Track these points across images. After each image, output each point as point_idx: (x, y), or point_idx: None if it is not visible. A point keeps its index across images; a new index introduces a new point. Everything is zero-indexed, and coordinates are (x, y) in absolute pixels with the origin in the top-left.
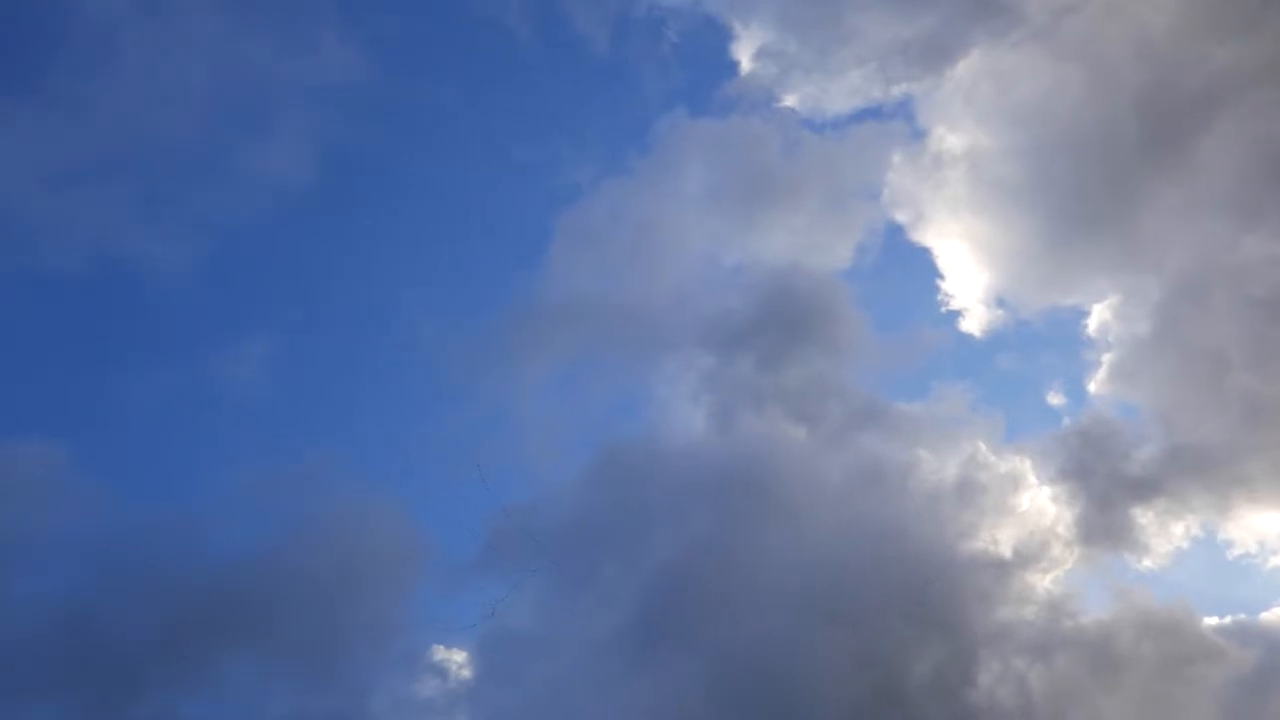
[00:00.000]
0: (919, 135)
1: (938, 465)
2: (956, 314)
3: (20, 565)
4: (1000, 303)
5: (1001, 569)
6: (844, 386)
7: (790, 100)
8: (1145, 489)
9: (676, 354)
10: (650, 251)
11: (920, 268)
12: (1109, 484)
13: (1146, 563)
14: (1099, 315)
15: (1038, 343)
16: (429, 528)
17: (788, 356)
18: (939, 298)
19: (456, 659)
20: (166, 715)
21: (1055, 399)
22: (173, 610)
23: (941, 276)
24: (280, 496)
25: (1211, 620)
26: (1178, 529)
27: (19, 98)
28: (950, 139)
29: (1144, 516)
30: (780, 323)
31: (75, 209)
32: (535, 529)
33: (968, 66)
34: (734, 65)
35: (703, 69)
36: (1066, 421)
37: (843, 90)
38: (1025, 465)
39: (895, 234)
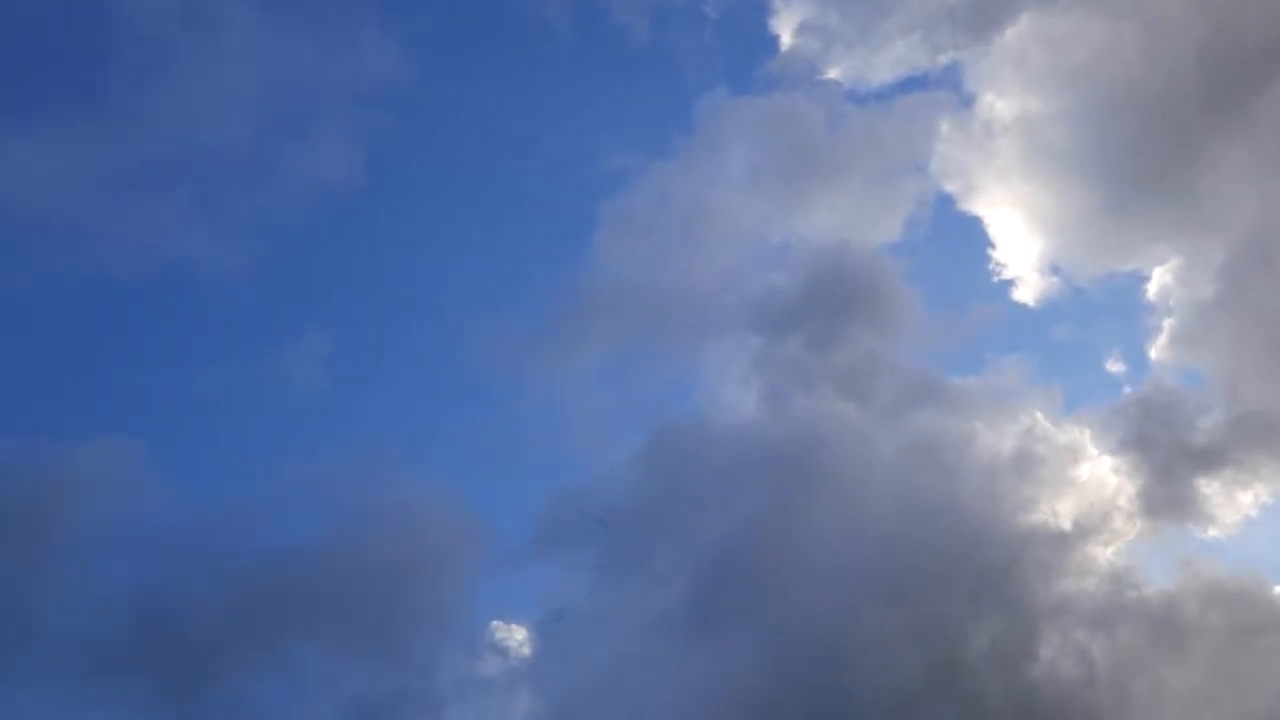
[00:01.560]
0: (967, 103)
1: (995, 439)
2: (1009, 284)
3: (102, 556)
4: (1055, 270)
5: (1061, 542)
6: (896, 363)
7: (833, 73)
8: (1210, 458)
9: (725, 337)
10: (696, 234)
11: (971, 238)
12: (1172, 454)
13: (1213, 532)
14: (1159, 280)
15: (1095, 310)
16: (485, 513)
17: (838, 335)
18: (991, 268)
19: (517, 637)
20: (240, 697)
21: (1115, 368)
22: (244, 597)
23: (993, 246)
24: (343, 486)
25: None
26: (1245, 498)
27: (75, 112)
28: (1000, 105)
29: (1209, 486)
30: (829, 301)
31: (133, 217)
32: (591, 513)
33: (1016, 31)
34: (774, 41)
35: (743, 47)
36: (1127, 390)
37: (887, 61)
38: (1085, 436)
39: (945, 205)
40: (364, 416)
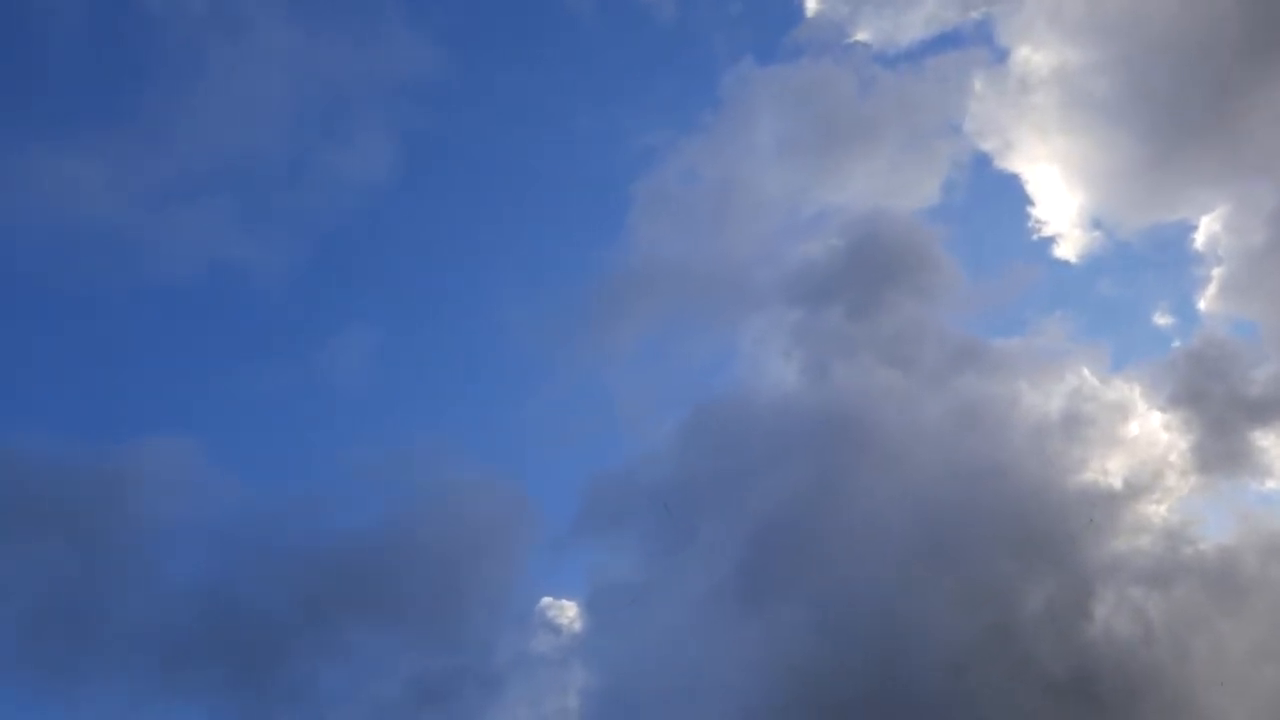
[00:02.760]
0: (1000, 58)
1: (1041, 400)
2: (1050, 241)
3: (169, 552)
4: (1097, 225)
5: (1113, 500)
6: (938, 328)
7: (862, 36)
8: (1266, 409)
9: (764, 311)
10: (729, 209)
11: (1010, 196)
12: (1226, 407)
13: (1271, 485)
14: (1206, 229)
15: (1140, 263)
16: (533, 494)
17: (877, 303)
18: (1030, 225)
19: (568, 613)
20: (306, 681)
21: (1163, 321)
22: (305, 585)
23: (1032, 203)
24: (395, 475)
25: None
26: None
27: (120, 126)
28: (1035, 59)
29: (1266, 438)
30: (867, 270)
31: (181, 224)
32: (635, 490)
33: None
34: (800, 7)
35: (768, 16)
36: (1176, 344)
37: (917, 20)
38: (1134, 393)
39: (982, 165)
40: (412, 406)
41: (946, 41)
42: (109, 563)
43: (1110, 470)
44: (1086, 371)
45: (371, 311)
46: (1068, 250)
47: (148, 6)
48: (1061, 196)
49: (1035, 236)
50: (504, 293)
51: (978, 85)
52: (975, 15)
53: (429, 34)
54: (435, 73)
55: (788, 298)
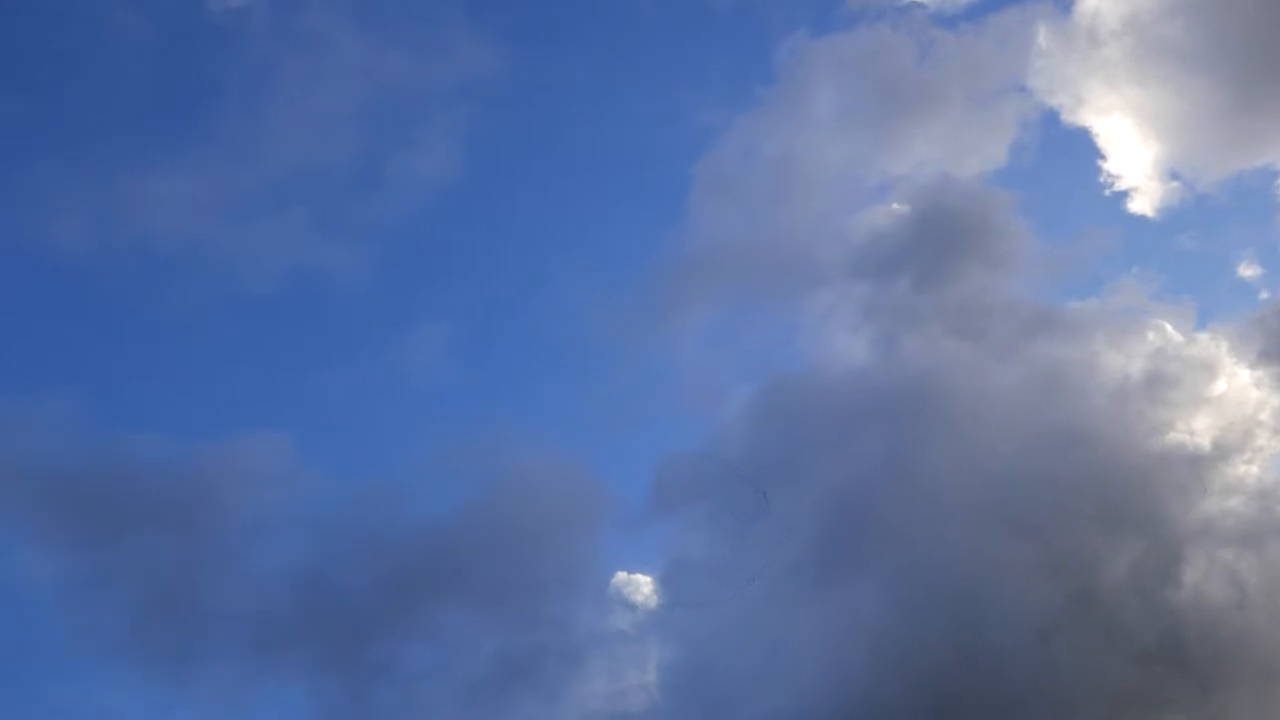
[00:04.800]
0: (1065, 8)
1: (1122, 361)
2: (1125, 195)
3: (261, 541)
4: (1174, 176)
5: (1200, 462)
6: (1009, 295)
7: None
8: None
9: (830, 285)
10: (790, 184)
11: (1081, 152)
12: None
13: None
14: None
15: (1223, 214)
16: (606, 475)
17: (946, 272)
18: (1103, 181)
19: (644, 590)
20: (392, 661)
21: (1249, 273)
22: (390, 569)
23: (1104, 158)
24: (472, 461)
25: None
26: None
27: (199, 145)
28: (1103, 8)
29: None
30: (934, 239)
31: (262, 235)
32: (707, 469)
33: None
34: None
35: None
36: (1264, 297)
37: None
38: (1220, 350)
39: (1050, 121)
40: (487, 395)
41: None
42: (210, 552)
43: (1197, 431)
44: (1170, 330)
45: (445, 306)
46: (1144, 205)
47: (218, 25)
48: (1136, 149)
49: (1109, 192)
50: (571, 282)
51: (1042, 40)
52: None
53: (489, 34)
54: (496, 71)
55: (853, 271)
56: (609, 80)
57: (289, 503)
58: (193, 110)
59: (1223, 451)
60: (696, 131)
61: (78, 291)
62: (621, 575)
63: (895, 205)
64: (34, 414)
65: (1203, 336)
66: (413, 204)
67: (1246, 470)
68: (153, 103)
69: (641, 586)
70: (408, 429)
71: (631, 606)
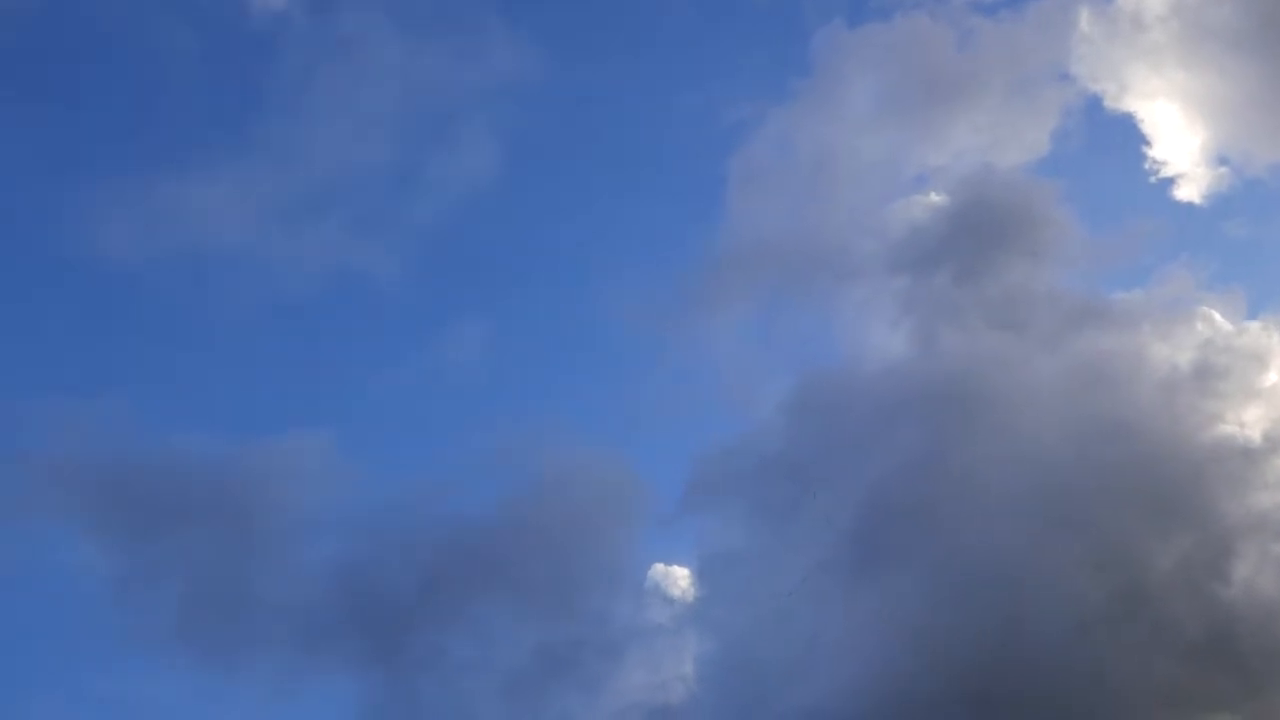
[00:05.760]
0: None
1: (1169, 353)
2: (1170, 182)
3: (306, 536)
4: (1222, 162)
5: (1251, 455)
6: (1053, 287)
7: None
8: None
9: (867, 279)
10: (826, 177)
11: (1125, 138)
12: None
13: None
14: None
15: (1273, 200)
16: (643, 471)
17: (987, 265)
18: (1148, 167)
19: (681, 583)
20: (434, 655)
21: None
22: (433, 564)
23: (1149, 144)
24: (511, 458)
25: None
26: None
27: (240, 152)
28: None
29: None
30: (975, 231)
31: (302, 239)
32: (743, 463)
33: None
34: None
35: None
36: None
37: None
38: (1272, 340)
39: (1093, 108)
40: (525, 393)
41: None
42: (256, 547)
43: (1248, 423)
44: (1219, 319)
45: (484, 306)
46: (1191, 191)
47: (257, 33)
48: (1182, 135)
49: (1154, 179)
50: (607, 279)
51: (1084, 24)
52: None
53: (524, 35)
54: (531, 71)
55: (892, 265)
56: (642, 77)
57: (333, 499)
58: (234, 118)
59: (1274, 444)
60: (731, 126)
61: (127, 297)
62: (659, 567)
63: (934, 196)
64: (88, 414)
65: (1253, 326)
66: (450, 205)
67: None
68: (196, 111)
69: (679, 579)
70: (447, 427)
71: (669, 600)
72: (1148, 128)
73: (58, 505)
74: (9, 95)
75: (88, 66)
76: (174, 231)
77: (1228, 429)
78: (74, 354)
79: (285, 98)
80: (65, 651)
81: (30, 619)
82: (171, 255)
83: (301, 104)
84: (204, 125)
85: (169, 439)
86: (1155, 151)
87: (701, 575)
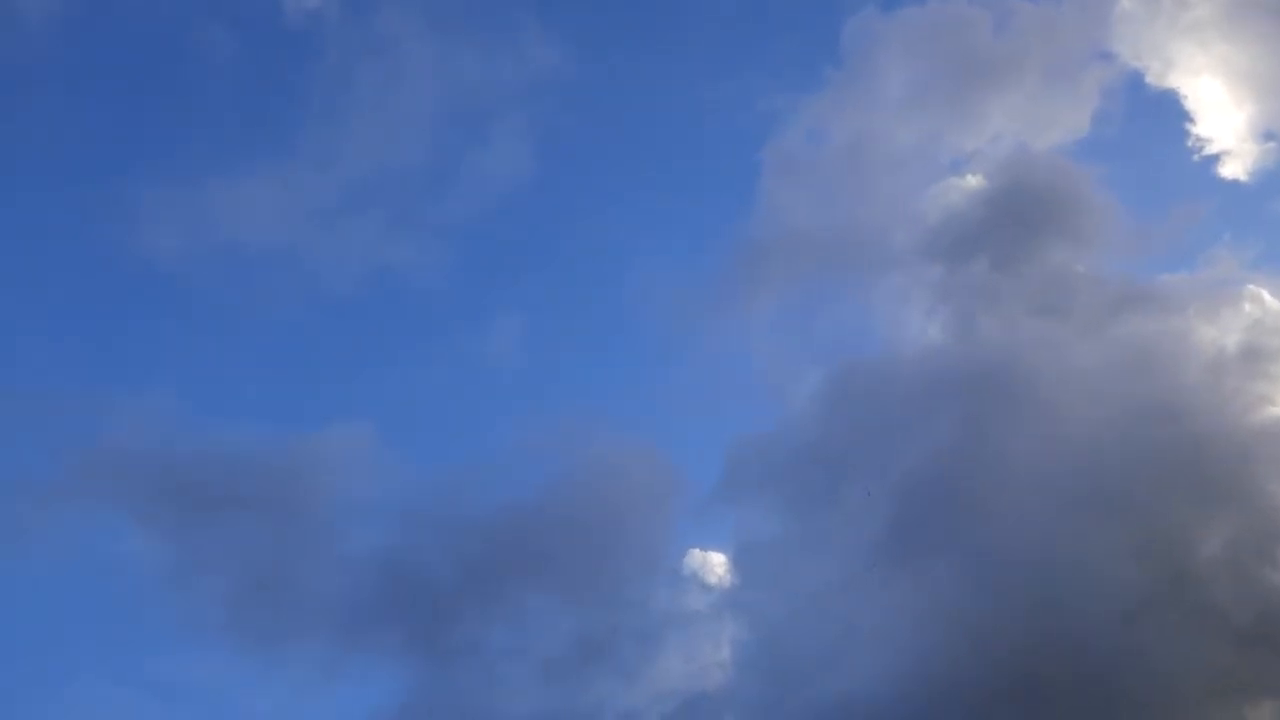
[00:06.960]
0: None
1: (1215, 334)
2: (1215, 159)
3: (347, 526)
4: (1269, 137)
5: None
6: (1095, 271)
7: None
8: None
9: (903, 268)
10: (860, 165)
11: (1168, 115)
12: None
13: None
14: None
15: None
16: (680, 460)
17: (1026, 251)
18: (1192, 145)
19: (717, 570)
20: (475, 641)
21: None
22: (473, 553)
23: (1192, 121)
24: (549, 448)
25: None
26: None
27: (281, 152)
28: None
29: None
30: (1013, 216)
31: (342, 237)
32: (779, 452)
33: None
34: None
35: None
36: None
37: None
38: None
39: (1134, 86)
40: (563, 383)
41: None
42: (300, 537)
43: None
44: (1267, 299)
45: (520, 299)
46: (1237, 169)
47: (295, 34)
48: (1227, 111)
49: (1198, 157)
50: (643, 271)
51: (1126, 2)
52: None
53: (555, 31)
54: (564, 67)
55: (928, 253)
56: (674, 70)
57: (375, 490)
58: (274, 118)
59: None
60: (764, 116)
61: (176, 294)
62: (696, 553)
63: (971, 180)
64: (138, 407)
65: None
66: (487, 201)
67: None
68: (237, 113)
69: (715, 565)
70: (486, 417)
71: (706, 586)
72: (1191, 104)
73: (108, 495)
74: (62, 101)
75: (134, 70)
76: (219, 231)
77: (1277, 411)
78: (124, 348)
79: (323, 99)
80: (116, 637)
81: (82, 605)
82: (217, 253)
83: (339, 105)
84: (245, 127)
85: (215, 431)
86: (1199, 129)
87: (737, 562)
